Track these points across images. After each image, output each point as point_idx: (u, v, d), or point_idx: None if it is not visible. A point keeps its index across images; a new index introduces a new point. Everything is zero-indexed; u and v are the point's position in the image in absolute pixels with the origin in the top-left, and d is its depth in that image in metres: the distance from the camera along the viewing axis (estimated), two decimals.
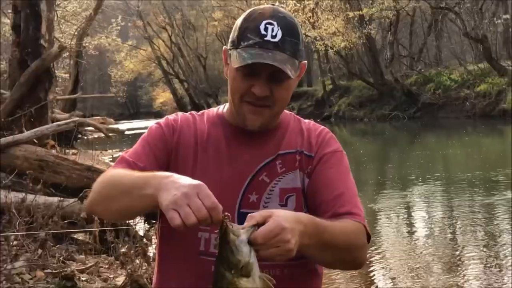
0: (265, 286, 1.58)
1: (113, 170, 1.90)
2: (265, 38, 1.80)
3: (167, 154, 1.96)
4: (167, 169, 1.90)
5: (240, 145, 1.96)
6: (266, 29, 1.80)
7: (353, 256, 1.88)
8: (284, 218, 1.59)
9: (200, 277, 1.87)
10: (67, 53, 26.61)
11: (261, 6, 1.88)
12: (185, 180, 1.61)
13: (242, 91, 1.87)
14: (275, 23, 1.81)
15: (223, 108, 2.08)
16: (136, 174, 1.77)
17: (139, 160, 1.91)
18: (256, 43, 1.80)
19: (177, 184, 1.60)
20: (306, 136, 2.01)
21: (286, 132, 2.01)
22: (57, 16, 26.24)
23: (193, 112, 2.10)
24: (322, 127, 2.07)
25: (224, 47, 1.96)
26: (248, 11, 1.90)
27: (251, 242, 1.55)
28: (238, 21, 1.90)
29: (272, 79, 1.84)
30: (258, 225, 1.57)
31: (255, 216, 1.58)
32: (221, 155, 1.96)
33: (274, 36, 1.80)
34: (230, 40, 1.91)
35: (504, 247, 7.61)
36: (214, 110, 2.11)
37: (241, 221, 1.64)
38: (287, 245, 1.57)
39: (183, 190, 1.57)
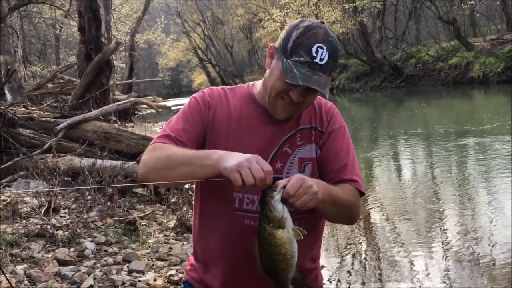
0: (296, 235, 1.65)
1: (160, 145, 1.84)
2: (315, 60, 1.75)
3: (203, 127, 1.90)
4: (204, 141, 1.89)
5: (268, 122, 1.91)
6: (317, 52, 1.75)
7: (351, 213, 1.92)
8: (301, 175, 1.69)
9: (234, 228, 1.88)
10: (123, 47, 26.66)
11: (314, 24, 1.80)
12: (243, 154, 1.64)
13: (281, 90, 1.82)
14: (325, 47, 1.76)
15: (253, 88, 2.00)
16: (193, 150, 1.78)
17: (179, 135, 1.86)
18: (306, 62, 1.75)
19: (238, 155, 1.63)
20: (318, 112, 1.97)
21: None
22: (113, 18, 26.17)
23: (224, 87, 2.04)
24: (330, 103, 2.02)
25: (272, 44, 1.88)
26: (303, 23, 1.80)
27: (284, 200, 1.61)
28: (293, 33, 1.80)
29: (308, 90, 1.79)
30: (285, 186, 1.62)
31: (281, 181, 1.65)
32: (252, 129, 1.91)
33: (322, 59, 1.75)
34: (281, 44, 1.82)
35: (472, 178, 7.90)
36: (244, 87, 2.03)
37: None
38: (312, 189, 1.63)
39: (245, 157, 1.60)
